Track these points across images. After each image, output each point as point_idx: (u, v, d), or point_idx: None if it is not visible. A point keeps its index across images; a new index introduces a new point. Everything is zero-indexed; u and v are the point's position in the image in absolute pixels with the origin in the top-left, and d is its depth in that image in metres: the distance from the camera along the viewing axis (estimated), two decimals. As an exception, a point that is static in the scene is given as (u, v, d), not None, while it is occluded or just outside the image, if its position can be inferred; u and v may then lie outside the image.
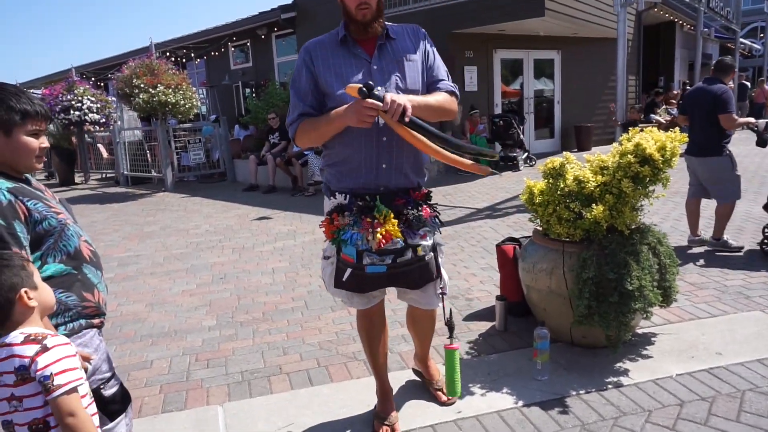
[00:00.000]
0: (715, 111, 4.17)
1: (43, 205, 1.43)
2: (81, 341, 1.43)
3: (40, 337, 1.21)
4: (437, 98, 1.93)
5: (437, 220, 2.04)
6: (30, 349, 1.18)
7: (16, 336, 1.21)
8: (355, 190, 1.92)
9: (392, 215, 1.86)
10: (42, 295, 1.29)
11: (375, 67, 1.91)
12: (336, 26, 2.02)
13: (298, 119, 1.92)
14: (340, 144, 1.92)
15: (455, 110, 2.02)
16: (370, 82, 1.73)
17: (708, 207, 4.75)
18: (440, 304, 2.11)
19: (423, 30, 2.05)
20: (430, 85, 2.01)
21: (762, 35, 20.95)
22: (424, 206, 1.98)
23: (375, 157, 1.89)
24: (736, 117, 4.24)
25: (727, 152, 4.27)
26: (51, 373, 1.17)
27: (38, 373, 1.17)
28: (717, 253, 4.24)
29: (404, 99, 1.75)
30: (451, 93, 2.01)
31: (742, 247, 4.29)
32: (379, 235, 1.81)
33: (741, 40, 16.19)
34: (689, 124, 4.44)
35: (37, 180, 1.63)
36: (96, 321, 1.49)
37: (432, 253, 1.97)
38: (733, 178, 4.30)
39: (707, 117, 4.23)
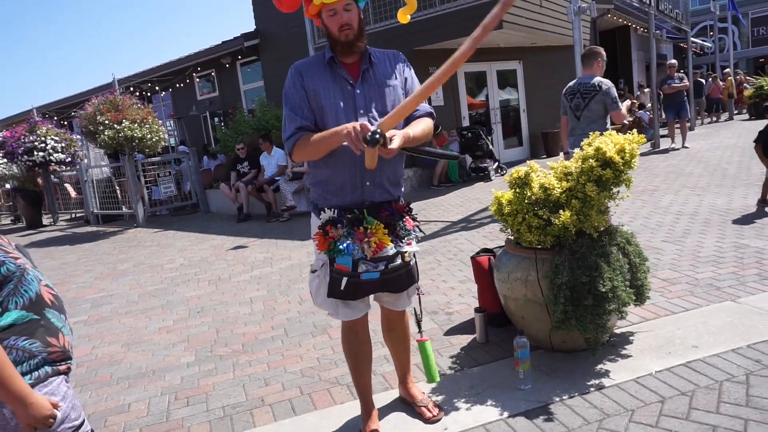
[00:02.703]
0: None
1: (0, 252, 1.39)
2: (47, 389, 1.39)
3: None
4: (420, 127, 2.03)
5: (418, 230, 2.18)
6: None
7: None
8: (342, 206, 2.03)
9: (382, 225, 2.00)
10: None
11: (358, 91, 2.03)
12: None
13: (295, 133, 1.99)
14: (324, 165, 2.02)
15: (432, 131, 2.13)
16: (376, 135, 1.72)
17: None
18: (411, 305, 2.29)
19: (402, 55, 2.18)
20: None
21: (712, 33, 21.81)
22: (407, 217, 2.12)
23: (359, 177, 2.01)
24: None
25: None
26: None
27: None
28: (684, 248, 4.34)
29: (399, 141, 1.83)
30: (429, 115, 2.13)
31: None
32: (373, 244, 1.94)
33: (692, 39, 16.80)
34: None
35: (3, 224, 1.59)
36: (62, 367, 1.45)
37: (415, 258, 2.13)
38: None
39: None
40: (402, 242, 2.04)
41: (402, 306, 2.26)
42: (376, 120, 1.98)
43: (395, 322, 2.35)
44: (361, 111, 2.00)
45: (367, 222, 1.97)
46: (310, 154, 2.00)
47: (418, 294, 2.20)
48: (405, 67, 2.15)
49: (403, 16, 2.21)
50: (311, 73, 2.03)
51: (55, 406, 1.36)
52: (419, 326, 2.19)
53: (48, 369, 1.40)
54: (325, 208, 2.03)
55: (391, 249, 1.98)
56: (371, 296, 2.19)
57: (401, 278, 2.05)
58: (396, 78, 2.09)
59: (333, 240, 1.96)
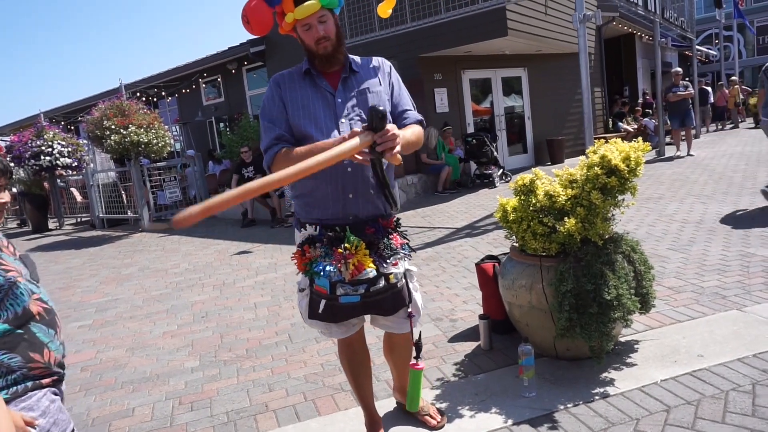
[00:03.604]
0: None
1: None
2: (25, 404, 1.33)
3: None
4: (414, 132, 1.93)
5: (408, 247, 2.05)
6: None
7: None
8: (324, 221, 1.92)
9: (363, 245, 1.87)
10: None
11: (339, 100, 1.94)
12: (302, 57, 2.03)
13: (275, 144, 1.88)
14: (309, 179, 1.88)
15: (422, 139, 2.03)
16: (380, 109, 1.62)
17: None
18: (412, 327, 2.10)
19: (388, 62, 2.09)
20: (398, 116, 2.00)
21: (717, 41, 21.80)
22: (395, 234, 1.99)
23: (341, 187, 1.90)
24: None
25: None
26: None
27: None
28: (690, 256, 4.33)
29: (398, 138, 1.69)
30: (419, 123, 2.02)
31: None
32: (351, 266, 1.82)
33: (697, 47, 16.79)
34: None
35: (9, 228, 1.58)
36: (46, 380, 1.39)
37: (404, 280, 1.99)
38: None
39: None
40: (387, 263, 1.91)
41: (403, 329, 2.10)
42: (359, 122, 1.90)
43: (398, 344, 2.22)
44: (342, 120, 1.90)
45: (348, 241, 1.85)
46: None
47: (410, 316, 2.04)
48: (390, 72, 2.05)
49: (384, 11, 2.16)
50: (290, 84, 1.95)
51: (30, 423, 1.31)
52: (418, 353, 2.01)
53: (28, 384, 1.35)
54: (307, 224, 1.95)
55: (371, 272, 1.86)
56: (360, 317, 2.08)
57: (386, 301, 1.92)
58: (380, 84, 2.00)
59: (308, 261, 1.88)
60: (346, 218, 1.92)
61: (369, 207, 1.95)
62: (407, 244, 2.06)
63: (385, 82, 2.02)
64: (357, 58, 2.03)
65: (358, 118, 1.93)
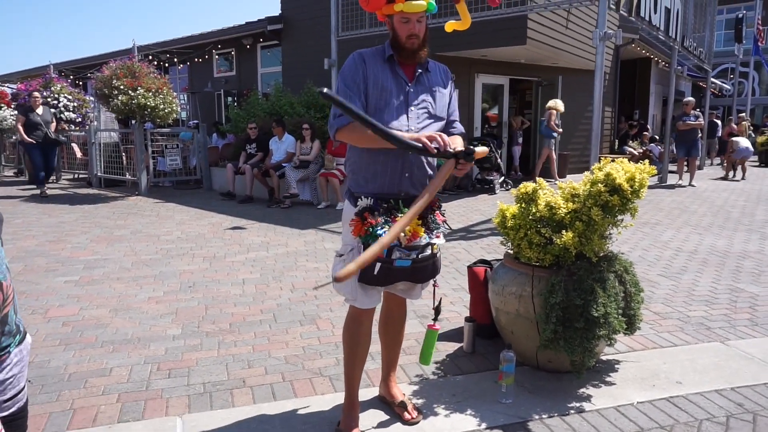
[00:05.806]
0: None
1: None
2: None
3: None
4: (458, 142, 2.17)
5: (446, 225, 2.27)
6: None
7: None
8: (378, 194, 2.11)
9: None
10: None
11: (411, 90, 2.13)
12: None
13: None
14: (368, 155, 2.12)
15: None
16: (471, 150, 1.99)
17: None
18: (421, 297, 2.40)
19: (451, 73, 2.32)
20: (449, 123, 2.26)
21: (732, 76, 21.82)
22: (437, 212, 2.22)
23: (400, 168, 2.11)
24: None
25: None
26: None
27: None
28: (680, 284, 4.35)
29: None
30: (462, 135, 2.26)
31: None
32: (408, 232, 2.02)
33: (712, 79, 16.80)
34: None
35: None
36: None
37: (440, 252, 2.22)
38: None
39: None
40: (432, 235, 2.13)
41: (414, 296, 2.33)
42: (425, 115, 2.14)
43: (396, 312, 2.42)
44: (412, 108, 2.11)
45: (402, 212, 2.04)
46: (357, 141, 2.09)
47: (434, 286, 2.28)
48: (451, 83, 2.28)
49: (450, 27, 2.38)
50: (373, 63, 2.12)
51: None
52: (437, 314, 2.29)
53: None
54: (362, 197, 2.10)
55: (424, 239, 2.08)
56: (382, 292, 2.26)
57: (427, 269, 2.14)
58: (446, 88, 2.24)
59: (371, 226, 2.03)
60: (399, 194, 2.13)
61: (418, 187, 2.16)
62: (446, 221, 2.27)
63: (448, 91, 2.27)
64: (431, 61, 2.23)
65: (424, 110, 2.15)
